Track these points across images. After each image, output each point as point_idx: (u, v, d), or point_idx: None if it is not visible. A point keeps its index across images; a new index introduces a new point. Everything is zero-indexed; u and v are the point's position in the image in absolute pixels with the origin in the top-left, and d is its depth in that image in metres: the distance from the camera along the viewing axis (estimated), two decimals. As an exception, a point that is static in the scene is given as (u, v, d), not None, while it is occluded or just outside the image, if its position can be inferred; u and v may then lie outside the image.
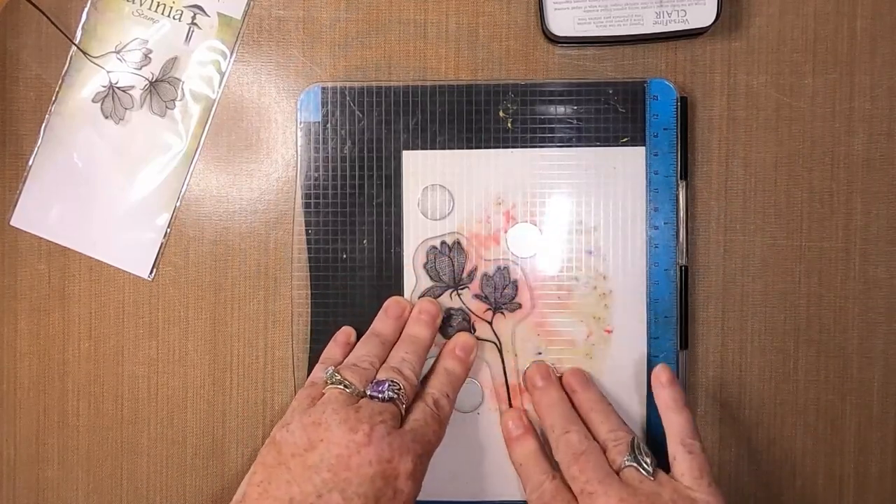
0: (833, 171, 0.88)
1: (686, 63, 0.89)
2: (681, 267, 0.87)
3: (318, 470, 0.73)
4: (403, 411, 0.79)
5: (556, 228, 0.87)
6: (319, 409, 0.77)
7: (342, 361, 0.84)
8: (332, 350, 0.86)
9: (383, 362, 0.83)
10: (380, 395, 0.78)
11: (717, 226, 0.88)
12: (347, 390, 0.78)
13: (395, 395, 0.78)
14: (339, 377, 0.79)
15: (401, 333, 0.86)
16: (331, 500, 0.72)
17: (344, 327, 0.88)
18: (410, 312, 0.87)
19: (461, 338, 0.87)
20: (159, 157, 0.91)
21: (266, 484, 0.75)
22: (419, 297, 0.88)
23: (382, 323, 0.87)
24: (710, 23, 0.85)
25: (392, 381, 0.79)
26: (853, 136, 0.88)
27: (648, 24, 0.85)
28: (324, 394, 0.80)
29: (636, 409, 0.87)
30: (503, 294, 0.87)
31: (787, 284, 0.88)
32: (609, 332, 0.87)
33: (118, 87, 0.90)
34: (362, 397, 0.78)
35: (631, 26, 0.86)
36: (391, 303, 0.87)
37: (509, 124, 0.87)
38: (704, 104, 0.88)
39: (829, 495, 0.88)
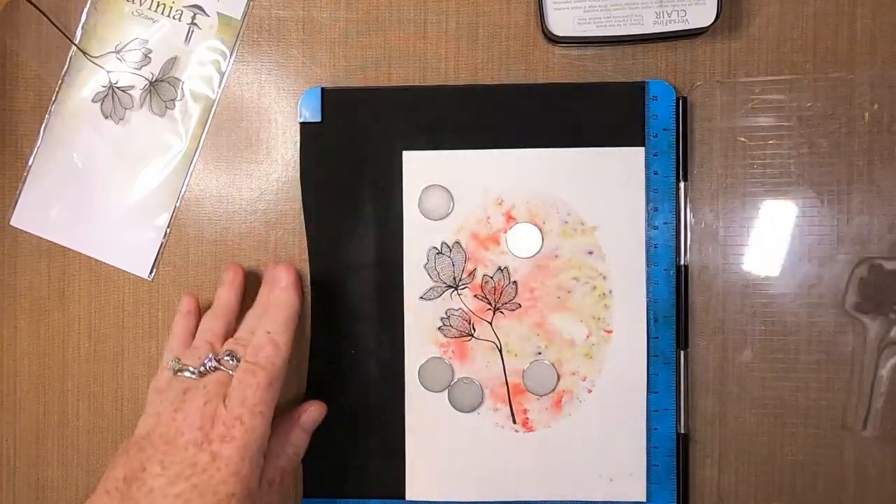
0: (833, 171, 0.88)
1: (686, 63, 0.89)
2: (680, 267, 0.87)
3: (145, 448, 0.77)
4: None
5: (555, 228, 0.87)
6: (157, 399, 0.81)
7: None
8: (176, 320, 0.89)
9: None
10: (201, 369, 0.82)
11: (716, 226, 0.88)
12: (182, 373, 0.83)
13: (215, 366, 0.82)
14: (180, 367, 0.83)
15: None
16: (153, 470, 0.75)
17: (184, 297, 0.90)
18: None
19: (282, 270, 0.87)
20: (159, 157, 0.91)
21: (107, 469, 0.79)
22: (419, 298, 0.88)
23: (227, 292, 0.89)
24: (710, 23, 0.85)
25: (230, 356, 0.82)
26: (853, 135, 0.88)
27: (648, 24, 0.85)
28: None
29: (636, 410, 0.87)
30: (503, 294, 0.88)
31: (787, 285, 0.88)
32: (609, 332, 0.87)
33: (118, 87, 0.91)
34: (184, 369, 0.83)
35: (631, 26, 0.86)
36: (238, 273, 0.89)
37: (510, 125, 0.87)
38: (704, 104, 0.88)
39: (829, 496, 0.88)
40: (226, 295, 0.88)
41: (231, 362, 0.80)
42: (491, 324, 0.88)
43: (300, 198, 0.89)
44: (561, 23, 0.86)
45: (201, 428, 0.76)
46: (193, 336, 0.86)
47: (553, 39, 0.87)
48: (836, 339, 0.88)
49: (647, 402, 0.87)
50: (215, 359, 0.81)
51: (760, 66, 0.88)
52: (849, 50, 0.88)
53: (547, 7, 0.86)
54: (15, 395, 0.92)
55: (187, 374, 0.81)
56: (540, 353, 0.87)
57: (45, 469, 0.92)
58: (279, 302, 0.84)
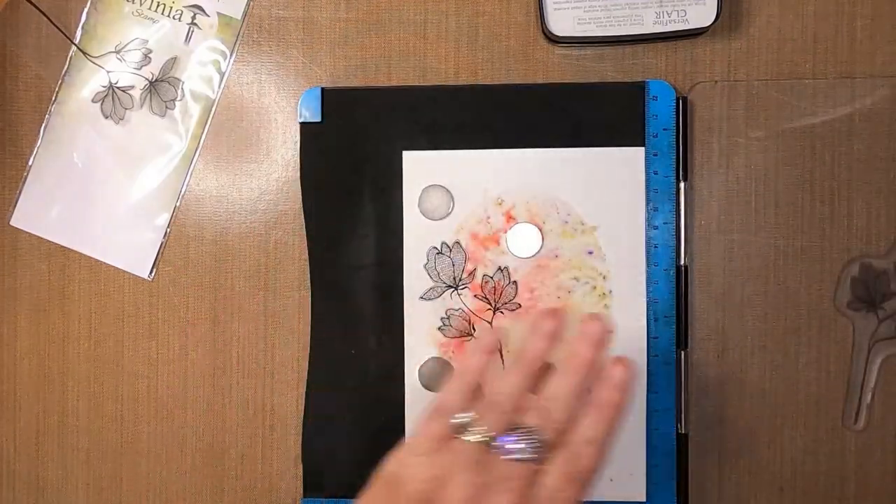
0: (833, 171, 0.88)
1: (686, 63, 0.89)
2: (680, 267, 0.87)
3: None
4: (542, 462, 0.68)
5: (555, 228, 0.87)
6: (446, 461, 0.68)
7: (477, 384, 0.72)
8: (473, 361, 0.73)
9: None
10: (515, 457, 0.67)
11: (717, 226, 0.88)
12: (482, 440, 0.68)
13: (531, 456, 0.68)
14: (481, 431, 0.69)
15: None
16: None
17: (485, 336, 0.75)
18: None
19: (619, 370, 0.72)
20: (159, 157, 0.91)
21: None
22: (419, 298, 0.88)
23: (539, 342, 0.74)
24: (710, 23, 0.85)
25: (530, 437, 0.68)
26: (853, 135, 0.88)
27: (648, 24, 0.85)
28: (454, 436, 0.69)
29: (636, 410, 0.87)
30: (503, 294, 0.88)
31: (787, 284, 0.88)
32: (609, 332, 0.87)
33: (118, 87, 0.91)
34: (492, 444, 0.68)
35: (631, 26, 0.86)
36: (549, 320, 0.74)
37: (510, 125, 0.87)
38: (704, 104, 0.88)
39: (829, 496, 0.88)
40: (540, 346, 0.74)
41: (532, 454, 0.68)
42: (491, 324, 0.88)
43: (300, 198, 0.89)
44: (561, 23, 0.86)
45: None
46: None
47: (553, 39, 0.87)
48: (830, 337, 0.88)
49: (647, 402, 0.87)
50: (531, 447, 0.67)
51: (760, 66, 0.88)
52: (849, 50, 0.88)
53: (547, 7, 0.86)
54: (15, 395, 0.92)
55: (470, 436, 0.69)
56: (540, 353, 0.87)
57: (45, 469, 0.92)
58: (613, 403, 0.71)
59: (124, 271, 0.91)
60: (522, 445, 0.67)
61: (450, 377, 0.73)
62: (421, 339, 0.89)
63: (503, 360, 0.87)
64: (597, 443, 0.69)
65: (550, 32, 0.86)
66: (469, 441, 0.68)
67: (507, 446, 0.67)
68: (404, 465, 0.69)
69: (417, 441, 0.70)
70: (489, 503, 0.65)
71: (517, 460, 0.67)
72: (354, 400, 0.89)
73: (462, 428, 0.69)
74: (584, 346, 0.72)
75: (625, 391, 0.71)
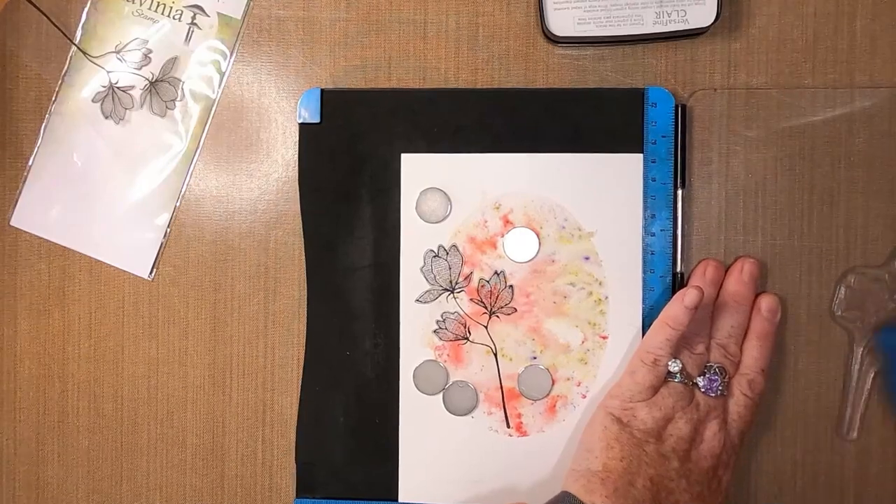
0: (833, 171, 0.87)
1: (686, 63, 0.88)
2: (677, 274, 0.87)
3: (670, 459, 0.81)
4: (728, 392, 0.85)
5: (552, 233, 0.87)
6: (667, 404, 0.83)
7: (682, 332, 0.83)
8: (680, 315, 0.82)
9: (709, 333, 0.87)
10: (712, 394, 0.83)
11: (716, 226, 0.88)
12: (689, 384, 0.84)
13: (722, 390, 0.84)
14: (685, 375, 0.83)
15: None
16: (680, 484, 0.81)
17: (691, 290, 0.82)
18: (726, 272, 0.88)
19: (766, 300, 0.86)
20: (159, 157, 0.91)
21: (627, 461, 0.81)
22: (415, 301, 0.89)
23: (704, 290, 0.84)
24: (710, 23, 0.85)
25: (721, 372, 0.84)
26: (853, 135, 0.87)
27: (648, 24, 0.85)
28: (666, 380, 0.84)
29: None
30: (499, 298, 0.88)
31: (787, 285, 0.88)
32: (604, 338, 0.87)
33: (118, 87, 0.91)
34: (696, 385, 0.84)
35: (631, 26, 0.85)
36: (710, 268, 0.87)
37: (508, 129, 0.87)
38: (704, 104, 0.88)
39: (829, 495, 0.88)
40: (711, 292, 0.88)
41: (722, 389, 0.84)
42: (486, 328, 0.88)
43: (300, 199, 0.89)
44: (561, 23, 0.86)
45: (719, 455, 0.83)
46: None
47: (553, 40, 0.87)
48: (826, 345, 0.88)
49: (644, 405, 0.87)
50: (722, 383, 0.84)
51: (760, 67, 0.88)
52: (849, 50, 0.88)
53: (547, 7, 0.86)
54: (15, 395, 0.93)
55: (678, 380, 0.84)
56: (535, 358, 0.88)
57: (45, 469, 0.93)
58: (770, 332, 0.87)
59: (124, 271, 0.92)
60: (716, 382, 0.84)
61: (652, 327, 0.84)
62: (416, 342, 0.89)
63: (498, 365, 0.88)
64: (765, 369, 0.85)
65: (550, 33, 0.86)
66: (679, 384, 0.83)
67: (703, 384, 0.84)
68: (629, 410, 0.83)
69: (632, 391, 0.83)
70: (703, 431, 0.83)
71: (712, 396, 0.83)
72: (349, 401, 0.89)
73: (672, 374, 0.83)
74: (742, 285, 0.87)
75: (776, 320, 0.87)
